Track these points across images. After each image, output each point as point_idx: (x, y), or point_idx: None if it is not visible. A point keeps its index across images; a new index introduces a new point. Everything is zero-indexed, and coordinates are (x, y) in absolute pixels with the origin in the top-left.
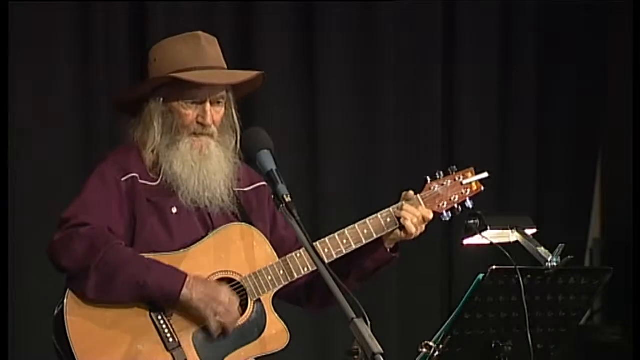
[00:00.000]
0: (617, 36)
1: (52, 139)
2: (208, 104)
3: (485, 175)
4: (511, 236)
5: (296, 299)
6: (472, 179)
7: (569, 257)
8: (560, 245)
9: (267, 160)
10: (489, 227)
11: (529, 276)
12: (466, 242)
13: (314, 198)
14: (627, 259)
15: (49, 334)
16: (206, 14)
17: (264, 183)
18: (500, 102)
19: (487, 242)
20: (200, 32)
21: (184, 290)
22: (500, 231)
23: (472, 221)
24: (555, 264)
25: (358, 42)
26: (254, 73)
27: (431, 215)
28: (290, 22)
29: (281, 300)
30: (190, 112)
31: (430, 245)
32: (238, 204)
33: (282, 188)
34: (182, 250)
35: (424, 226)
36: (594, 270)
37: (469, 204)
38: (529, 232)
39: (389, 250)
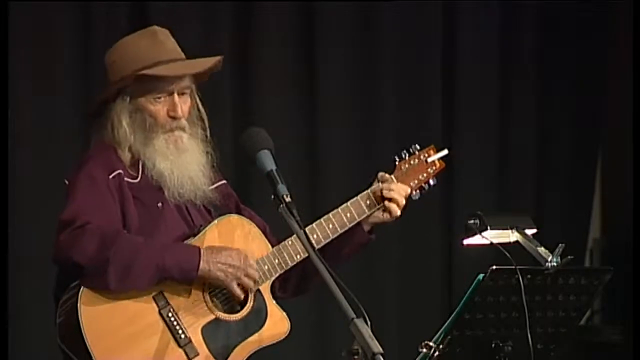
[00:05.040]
0: (617, 36)
1: (52, 139)
2: (176, 96)
3: (445, 152)
4: (511, 236)
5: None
6: (435, 157)
7: (569, 257)
8: (560, 245)
9: (267, 160)
10: (489, 227)
11: (529, 276)
12: (466, 242)
13: (313, 198)
14: (627, 259)
15: (48, 334)
16: (206, 14)
17: (224, 181)
18: (500, 102)
19: (487, 242)
20: (155, 27)
21: (202, 264)
22: (500, 231)
23: (472, 221)
24: (555, 264)
25: (358, 42)
26: (216, 59)
27: (409, 190)
28: (290, 22)
29: None
30: (159, 108)
31: (430, 245)
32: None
33: (282, 188)
34: (188, 239)
35: (403, 202)
36: (594, 270)
37: (433, 181)
38: (529, 232)
39: (367, 232)
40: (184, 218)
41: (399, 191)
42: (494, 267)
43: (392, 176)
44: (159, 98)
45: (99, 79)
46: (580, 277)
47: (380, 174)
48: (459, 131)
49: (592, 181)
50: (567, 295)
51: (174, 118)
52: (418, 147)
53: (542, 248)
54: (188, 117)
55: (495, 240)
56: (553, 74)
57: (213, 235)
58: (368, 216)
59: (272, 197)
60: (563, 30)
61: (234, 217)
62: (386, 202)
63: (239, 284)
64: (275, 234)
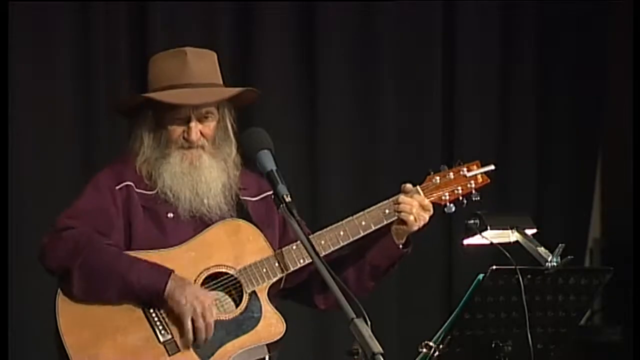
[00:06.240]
0: (617, 36)
1: (52, 139)
2: (193, 122)
3: (491, 167)
4: (511, 236)
5: (312, 300)
6: (477, 172)
7: (569, 257)
8: (560, 245)
9: (267, 160)
10: (489, 227)
11: (529, 276)
12: (466, 242)
13: (313, 198)
14: (627, 259)
15: (48, 334)
16: (206, 14)
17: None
18: (500, 102)
19: (487, 242)
20: (188, 48)
21: (169, 286)
22: (500, 231)
23: (472, 221)
24: (555, 264)
25: (358, 42)
26: (233, 90)
27: (427, 202)
28: (290, 22)
29: (295, 302)
30: (176, 128)
31: (430, 245)
32: (244, 212)
33: (282, 188)
34: (173, 247)
35: (426, 216)
36: (594, 270)
37: (475, 197)
38: (529, 232)
39: (400, 246)
40: (202, 226)
41: (410, 203)
42: (494, 267)
43: (419, 187)
44: (178, 119)
45: (99, 80)
46: (580, 277)
47: (403, 184)
48: (459, 131)
49: (592, 181)
50: (567, 295)
51: (187, 141)
52: (461, 161)
53: (542, 248)
54: (213, 138)
55: (495, 240)
56: (553, 74)
57: (202, 240)
58: (389, 226)
59: (272, 197)
60: (563, 29)
61: (232, 222)
62: (397, 211)
63: (192, 320)
64: None
